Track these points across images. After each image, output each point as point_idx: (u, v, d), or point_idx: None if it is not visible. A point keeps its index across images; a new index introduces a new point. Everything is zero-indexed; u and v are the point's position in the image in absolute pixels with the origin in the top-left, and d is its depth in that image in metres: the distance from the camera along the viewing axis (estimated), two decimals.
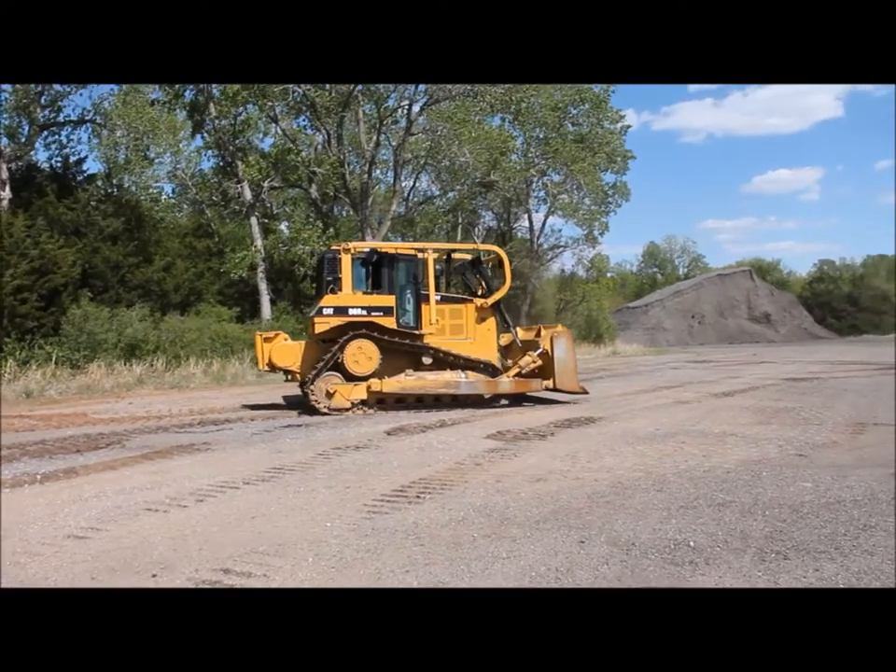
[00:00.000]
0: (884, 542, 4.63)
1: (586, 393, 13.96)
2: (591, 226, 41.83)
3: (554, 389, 13.67)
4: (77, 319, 20.61)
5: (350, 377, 12.73)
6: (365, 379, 12.77)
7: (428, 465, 7.63)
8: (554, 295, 47.41)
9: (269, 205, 34.66)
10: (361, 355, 12.72)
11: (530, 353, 13.67)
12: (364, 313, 12.86)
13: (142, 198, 31.24)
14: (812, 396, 13.76)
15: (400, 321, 13.11)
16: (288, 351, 13.32)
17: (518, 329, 14.83)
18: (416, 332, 13.22)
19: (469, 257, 14.93)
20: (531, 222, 43.62)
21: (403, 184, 35.13)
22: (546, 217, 43.19)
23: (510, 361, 14.17)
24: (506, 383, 13.57)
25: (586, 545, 4.72)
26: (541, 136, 38.32)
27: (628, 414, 11.57)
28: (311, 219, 30.80)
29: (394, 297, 13.14)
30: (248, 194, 29.01)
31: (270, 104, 28.96)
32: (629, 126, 40.73)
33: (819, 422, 10.10)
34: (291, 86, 27.31)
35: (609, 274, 59.08)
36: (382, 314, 12.93)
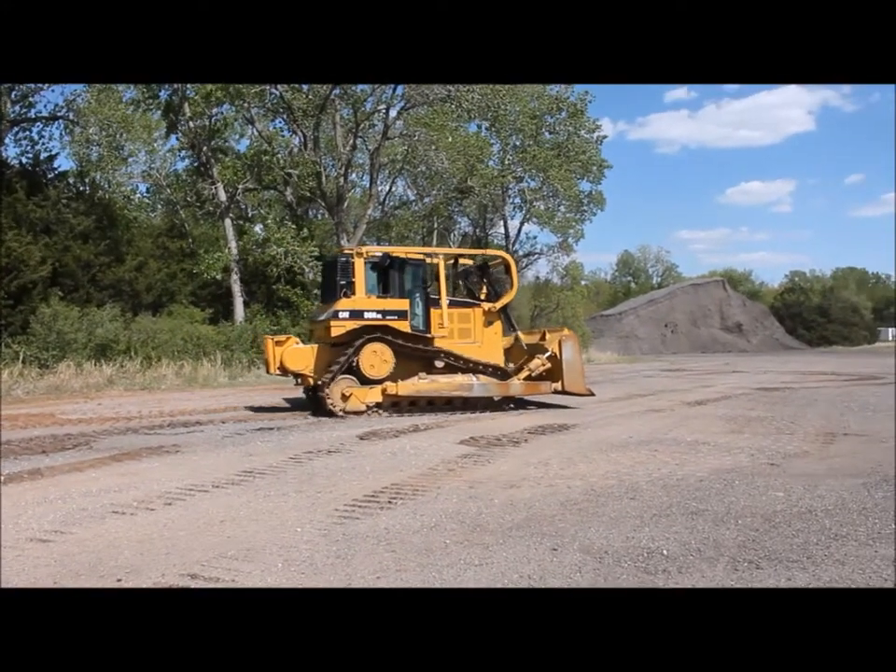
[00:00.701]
0: (855, 552, 4.65)
1: (593, 395, 14.27)
2: (566, 234, 41.93)
3: (563, 392, 13.90)
4: (46, 318, 20.33)
5: (365, 380, 12.81)
6: (379, 382, 12.87)
7: (401, 470, 7.57)
8: (529, 301, 47.45)
9: (243, 207, 34.42)
10: (376, 358, 12.83)
11: (539, 356, 13.90)
12: (379, 316, 12.92)
13: (114, 196, 30.86)
14: (784, 405, 13.87)
15: (412, 324, 13.22)
16: (300, 355, 13.22)
17: (520, 332, 15.01)
18: (428, 336, 13.41)
19: (470, 262, 15.34)
20: (507, 229, 43.65)
21: (379, 188, 35.05)
22: (522, 224, 43.24)
23: (511, 364, 14.35)
24: (517, 385, 13.80)
25: (559, 552, 4.68)
26: (518, 143, 38.39)
27: (602, 422, 11.59)
28: (286, 222, 30.63)
29: (408, 301, 13.33)
30: (223, 195, 28.79)
31: (246, 105, 28.80)
32: (605, 136, 40.94)
33: (790, 431, 10.16)
34: (268, 88, 27.18)
35: (583, 282, 59.34)
36: (396, 317, 13.04)
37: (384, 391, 12.87)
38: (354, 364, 12.68)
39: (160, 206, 37.45)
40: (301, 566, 4.46)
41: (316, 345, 13.45)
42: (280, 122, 32.24)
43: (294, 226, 29.07)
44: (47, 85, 25.31)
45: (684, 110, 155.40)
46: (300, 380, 13.60)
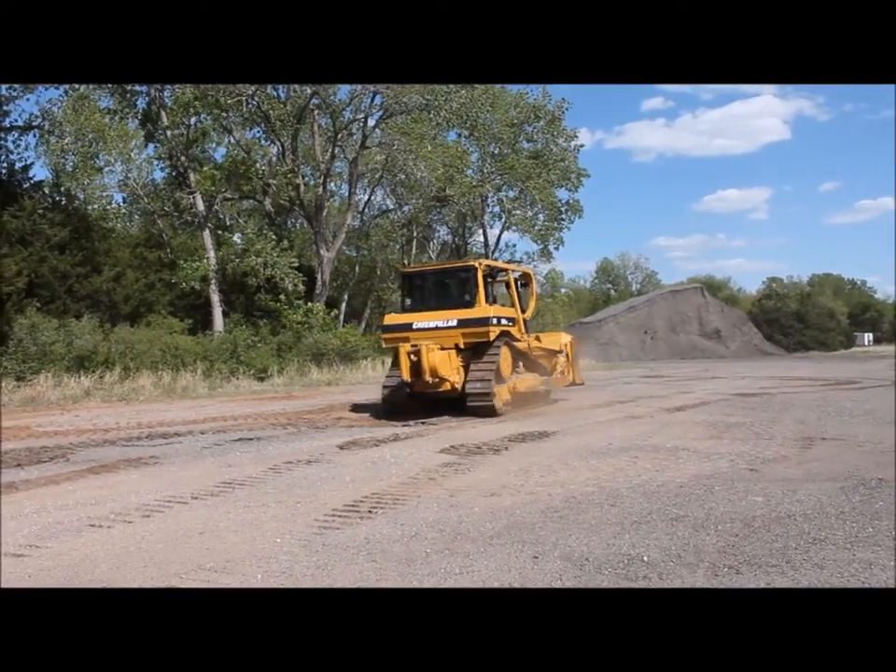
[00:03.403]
0: (833, 556, 4.67)
1: (583, 384, 17.50)
2: (545, 241, 42.04)
3: (571, 383, 16.89)
4: (25, 329, 20.11)
5: (500, 380, 13.89)
6: (504, 381, 14.07)
7: (381, 479, 7.54)
8: None
9: (222, 217, 34.31)
10: (507, 359, 14.24)
11: (559, 354, 16.51)
12: (507, 322, 14.43)
13: (91, 207, 30.60)
14: (762, 411, 13.93)
15: None
16: (446, 360, 13.55)
17: None
18: (519, 339, 15.00)
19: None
20: (486, 237, 43.82)
21: (358, 197, 35.05)
22: (501, 233, 43.43)
23: None
24: (558, 379, 16.43)
25: (540, 560, 4.67)
26: (496, 152, 38.51)
27: (581, 429, 11.59)
28: (264, 231, 30.54)
29: (515, 309, 15.14)
30: (201, 205, 28.67)
31: (223, 114, 28.72)
32: (582, 145, 41.17)
33: (769, 436, 10.20)
34: (245, 97, 27.11)
35: (563, 290, 59.46)
36: (512, 323, 14.69)
37: (512, 388, 14.26)
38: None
39: (137, 216, 37.23)
40: (281, 577, 4.42)
41: (451, 351, 13.77)
42: (258, 131, 32.22)
43: (274, 235, 29.00)
44: (22, 93, 25.11)
45: (661, 119, 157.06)
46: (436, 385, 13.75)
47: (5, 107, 25.71)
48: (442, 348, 13.55)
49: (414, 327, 14.04)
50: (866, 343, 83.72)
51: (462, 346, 13.77)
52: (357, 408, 15.93)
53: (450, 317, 13.82)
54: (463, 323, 13.68)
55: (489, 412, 13.31)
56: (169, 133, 28.36)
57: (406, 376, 13.39)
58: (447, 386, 13.52)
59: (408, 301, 14.99)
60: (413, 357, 13.18)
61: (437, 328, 13.83)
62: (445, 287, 14.67)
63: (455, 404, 13.76)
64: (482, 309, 13.95)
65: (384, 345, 14.41)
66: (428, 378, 13.26)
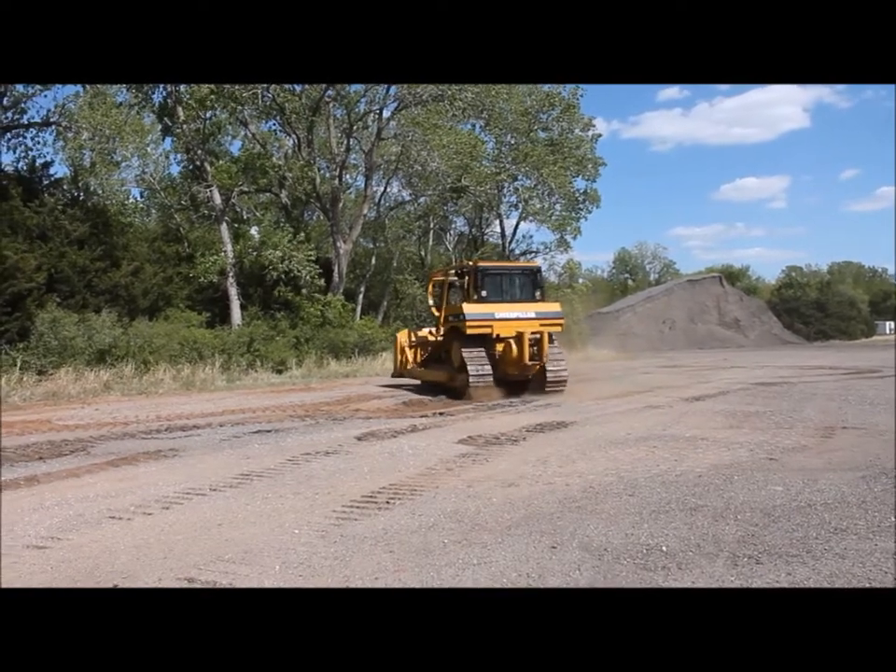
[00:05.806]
0: (854, 545, 4.63)
1: None
2: (563, 231, 41.75)
3: None
4: (45, 324, 20.27)
5: None
6: None
7: (399, 470, 7.55)
8: None
9: (239, 210, 34.36)
10: None
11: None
12: None
13: (108, 202, 30.73)
14: (782, 400, 13.84)
15: None
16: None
17: None
18: None
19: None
20: (503, 227, 43.60)
21: (374, 189, 34.96)
22: (518, 223, 43.15)
23: None
24: None
25: (558, 551, 4.66)
26: (512, 141, 38.30)
27: (600, 419, 11.56)
28: (281, 224, 30.57)
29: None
30: (218, 198, 28.73)
31: (239, 107, 28.73)
32: (600, 135, 40.84)
33: (789, 426, 10.14)
34: (261, 90, 27.12)
35: (580, 280, 59.11)
36: None
37: None
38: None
39: (154, 211, 37.38)
40: (299, 568, 4.44)
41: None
42: (273, 124, 32.24)
43: (291, 228, 29.03)
44: (40, 90, 25.24)
45: (677, 109, 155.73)
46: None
47: (22, 104, 25.86)
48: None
49: (497, 316, 15.41)
50: (888, 332, 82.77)
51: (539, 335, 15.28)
52: (374, 399, 15.96)
53: (528, 310, 15.59)
54: (542, 315, 15.56)
55: (563, 388, 15.42)
56: (185, 127, 28.41)
57: (527, 360, 14.89)
58: (536, 369, 15.21)
59: (483, 293, 15.92)
60: (533, 343, 14.82)
61: (518, 318, 15.37)
62: (516, 283, 16.37)
63: (524, 386, 15.50)
64: (556, 304, 16.63)
65: (466, 332, 15.35)
66: (545, 362, 15.04)
